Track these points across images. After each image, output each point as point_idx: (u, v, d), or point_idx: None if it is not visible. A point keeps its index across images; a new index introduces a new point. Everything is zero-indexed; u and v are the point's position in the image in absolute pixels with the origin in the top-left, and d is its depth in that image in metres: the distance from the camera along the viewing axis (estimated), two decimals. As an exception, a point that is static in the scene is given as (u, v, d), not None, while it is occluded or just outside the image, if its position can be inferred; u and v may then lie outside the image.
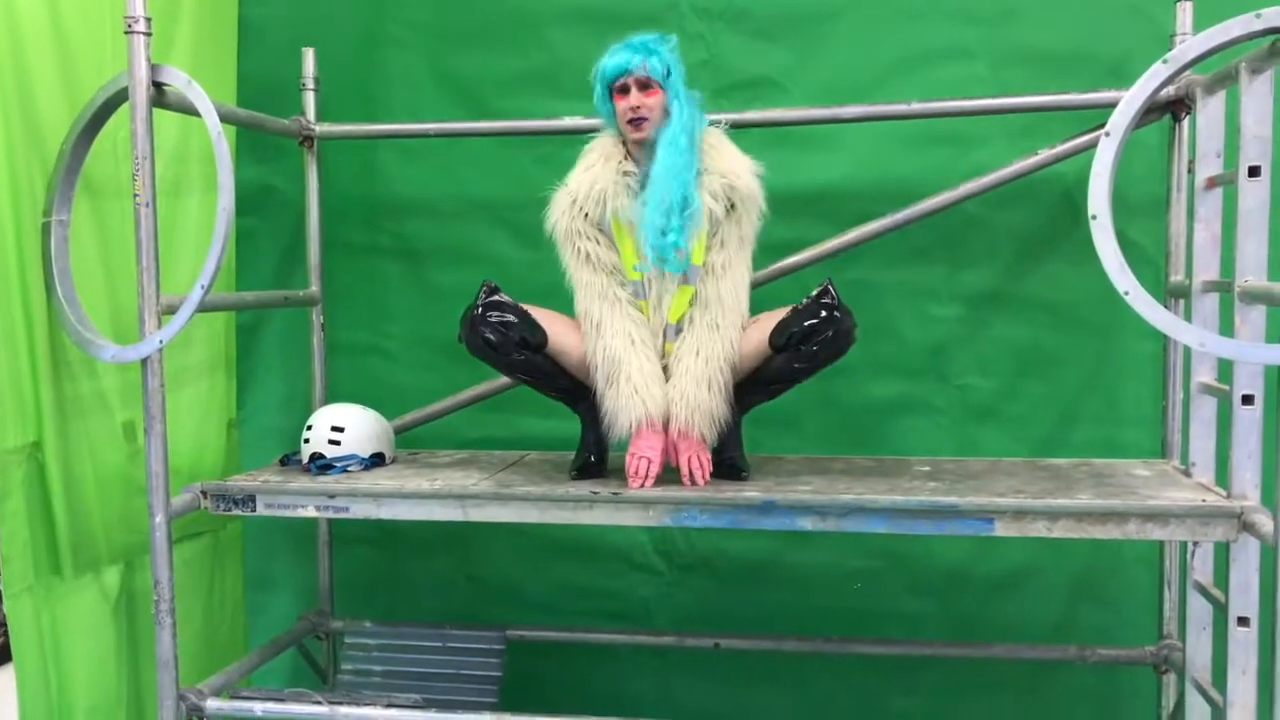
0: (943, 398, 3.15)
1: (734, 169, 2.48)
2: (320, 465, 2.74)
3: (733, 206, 2.48)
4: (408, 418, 3.16)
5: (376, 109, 3.32)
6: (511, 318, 2.49)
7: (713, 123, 2.60)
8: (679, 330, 2.52)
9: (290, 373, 3.43)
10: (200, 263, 2.56)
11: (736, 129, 3.04)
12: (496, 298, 2.52)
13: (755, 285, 2.98)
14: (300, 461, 2.82)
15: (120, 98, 2.57)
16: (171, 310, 2.54)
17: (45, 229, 2.61)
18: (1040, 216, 3.03)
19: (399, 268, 3.39)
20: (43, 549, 2.60)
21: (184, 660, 2.65)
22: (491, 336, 2.48)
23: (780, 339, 2.45)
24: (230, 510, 2.70)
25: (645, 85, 2.44)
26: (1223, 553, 2.38)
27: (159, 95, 2.52)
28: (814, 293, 2.49)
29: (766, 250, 3.08)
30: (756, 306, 3.10)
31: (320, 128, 3.16)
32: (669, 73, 2.47)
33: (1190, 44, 2.16)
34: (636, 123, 2.45)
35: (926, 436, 3.13)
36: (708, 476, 2.50)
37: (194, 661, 2.96)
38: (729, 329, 2.46)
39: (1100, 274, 2.16)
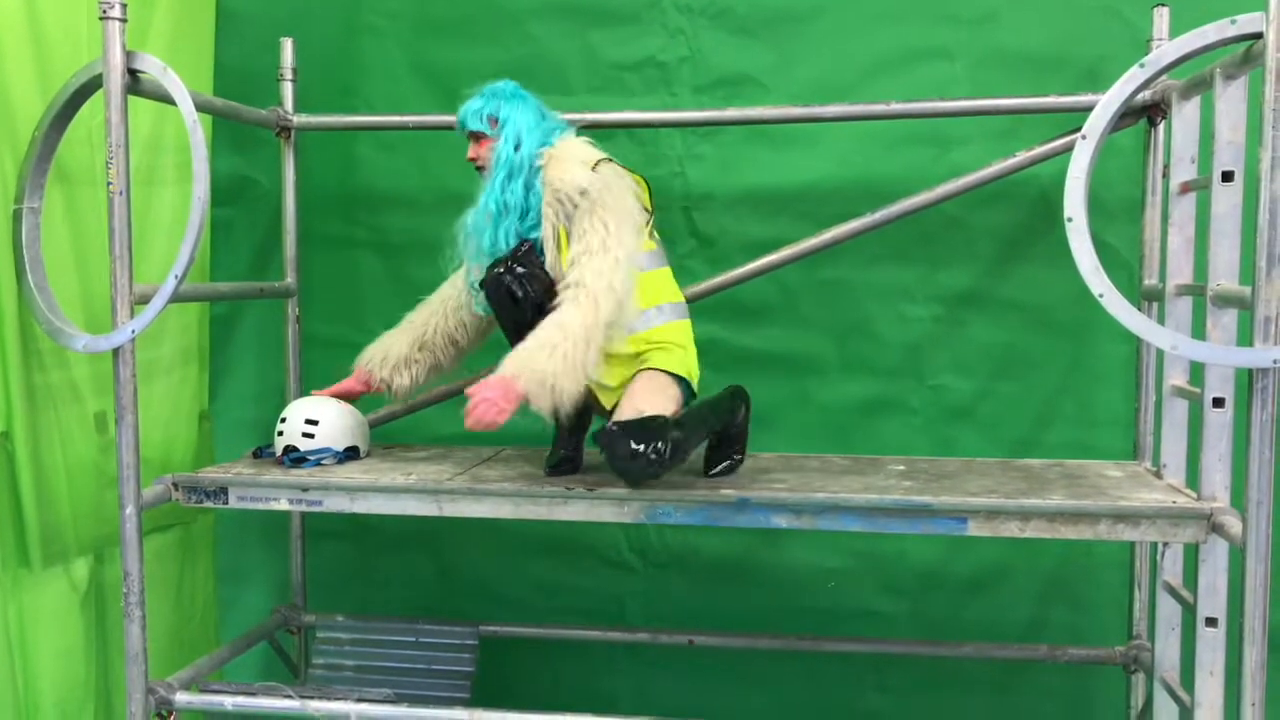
0: (918, 397, 3.16)
1: (559, 175, 2.54)
2: (294, 458, 2.72)
3: (576, 205, 2.51)
4: (382, 412, 3.14)
5: (354, 100, 3.31)
6: (540, 276, 2.52)
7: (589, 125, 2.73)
8: None
9: (263, 365, 3.41)
10: (174, 253, 2.53)
11: (716, 126, 3.05)
12: (532, 255, 2.54)
13: (735, 283, 3.00)
14: (274, 454, 2.80)
15: (94, 84, 2.54)
16: (144, 300, 2.51)
17: (16, 216, 2.58)
18: (1017, 218, 3.05)
19: (375, 260, 3.37)
20: (10, 540, 2.56)
21: (154, 654, 2.63)
22: (517, 290, 2.50)
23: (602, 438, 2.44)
24: (202, 502, 2.68)
25: (476, 136, 2.65)
26: (1192, 554, 2.40)
27: (134, 83, 2.49)
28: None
29: (745, 247, 3.11)
30: (741, 302, 3.14)
31: (298, 119, 3.14)
32: (498, 117, 2.62)
33: (1166, 49, 2.18)
34: (478, 169, 2.67)
35: (902, 436, 3.15)
36: (484, 418, 2.37)
37: (164, 655, 2.94)
38: (588, 304, 2.42)
39: (1075, 276, 2.17)
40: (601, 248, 2.45)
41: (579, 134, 2.67)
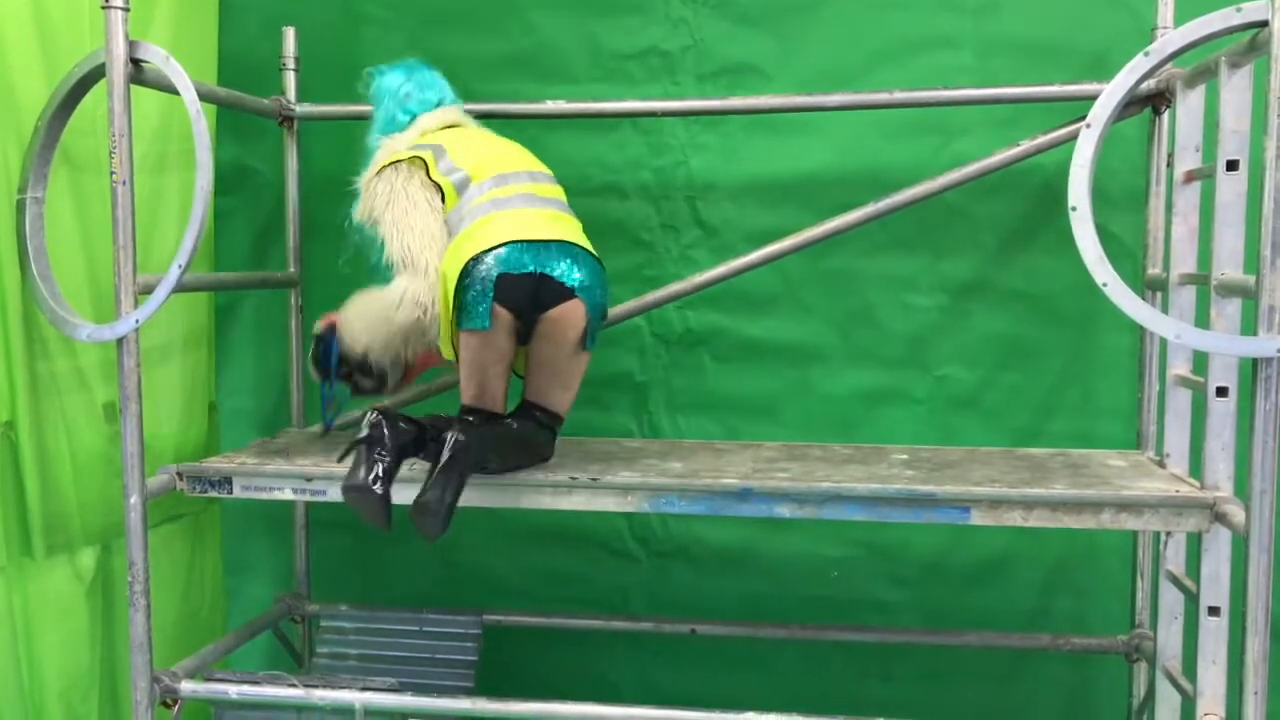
0: (921, 387, 3.16)
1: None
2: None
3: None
4: (385, 403, 3.14)
5: (356, 90, 3.29)
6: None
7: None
8: None
9: (263, 355, 3.40)
10: (180, 242, 2.53)
11: (719, 115, 3.04)
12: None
13: (738, 272, 3.00)
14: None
15: (97, 74, 2.54)
16: (149, 290, 2.51)
17: (20, 206, 2.58)
18: (1021, 208, 3.04)
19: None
20: (14, 530, 2.57)
21: (160, 643, 2.63)
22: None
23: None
24: (206, 492, 2.69)
25: None
26: (1195, 543, 2.40)
27: (137, 72, 2.49)
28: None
29: (748, 237, 3.10)
30: (744, 292, 3.13)
31: (300, 108, 3.14)
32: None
33: (1171, 37, 2.17)
34: None
35: (905, 426, 3.14)
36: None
37: (171, 644, 2.94)
38: (395, 283, 2.52)
39: (1079, 266, 2.17)
40: (385, 233, 2.55)
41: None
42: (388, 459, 2.33)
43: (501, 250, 2.41)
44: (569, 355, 2.52)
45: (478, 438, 2.37)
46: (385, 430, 2.34)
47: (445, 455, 2.30)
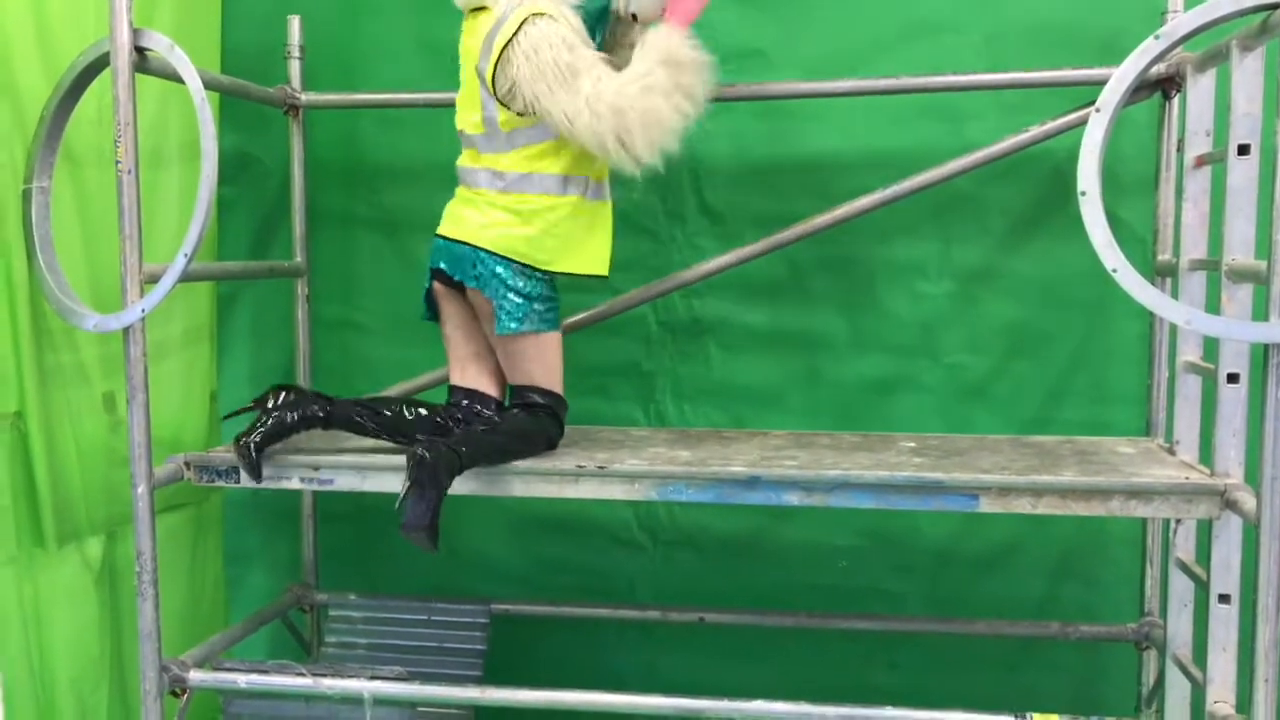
0: (931, 375, 3.14)
1: None
2: None
3: None
4: (387, 392, 3.14)
5: (358, 77, 3.28)
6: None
7: None
8: None
9: (264, 345, 3.41)
10: (182, 231, 2.53)
11: (724, 101, 3.02)
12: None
13: (744, 260, 2.99)
14: None
15: (101, 63, 2.53)
16: (154, 279, 2.51)
17: (26, 196, 2.58)
18: (1031, 193, 3.02)
19: (379, 239, 3.36)
20: (25, 520, 2.58)
21: (167, 632, 2.64)
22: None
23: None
24: (214, 481, 2.69)
25: None
26: (1205, 530, 2.39)
27: (141, 60, 2.48)
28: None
29: (755, 224, 3.09)
30: (750, 279, 3.12)
31: (306, 96, 3.13)
32: None
33: (1181, 20, 2.15)
34: None
35: (914, 414, 3.13)
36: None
37: (177, 634, 2.95)
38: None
39: (1089, 251, 2.15)
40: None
41: None
42: (268, 424, 2.55)
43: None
44: (496, 338, 2.61)
45: (445, 453, 2.41)
46: (282, 400, 2.58)
47: (410, 476, 2.36)
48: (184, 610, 3.12)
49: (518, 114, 2.51)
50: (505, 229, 2.55)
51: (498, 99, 2.52)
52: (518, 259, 2.54)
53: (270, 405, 2.57)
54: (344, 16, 3.29)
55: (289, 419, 2.56)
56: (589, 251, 2.61)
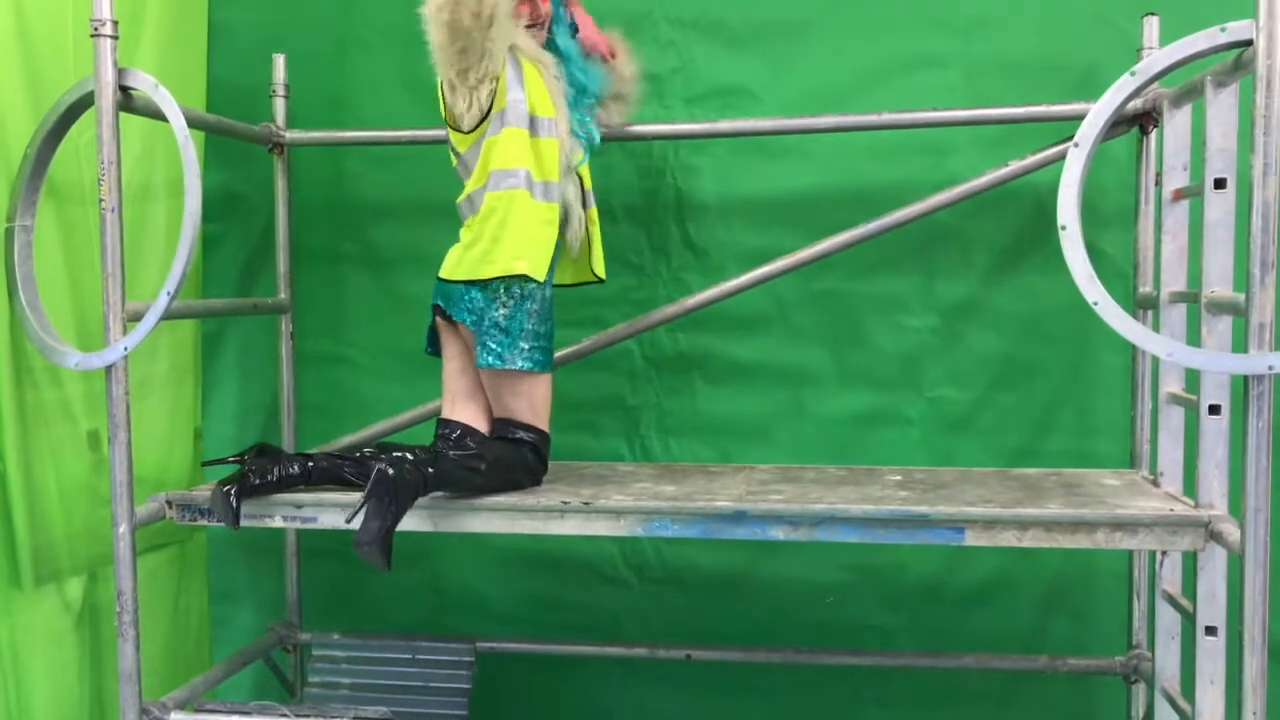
0: (915, 408, 3.15)
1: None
2: None
3: None
4: (374, 428, 3.13)
5: (344, 115, 3.30)
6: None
7: None
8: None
9: (249, 382, 3.40)
10: (168, 265, 2.52)
11: (708, 138, 3.04)
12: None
13: (729, 294, 3.00)
14: None
15: (86, 102, 2.54)
16: (137, 317, 2.50)
17: (8, 234, 2.57)
18: (1013, 227, 3.05)
19: (365, 276, 3.36)
20: (2, 560, 2.55)
21: (148, 673, 2.61)
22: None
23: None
24: (196, 520, 2.67)
25: None
26: (1191, 562, 2.39)
27: (125, 99, 2.49)
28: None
29: (739, 259, 3.10)
30: (735, 314, 3.13)
31: (290, 134, 3.14)
32: None
33: (1157, 57, 2.18)
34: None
35: (899, 447, 3.13)
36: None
37: (158, 675, 2.92)
38: None
39: (1071, 285, 2.17)
40: None
41: None
42: (255, 479, 2.54)
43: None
44: (480, 371, 2.62)
45: (408, 470, 2.38)
46: (260, 461, 2.58)
47: (368, 491, 2.33)
48: (167, 650, 3.08)
49: (466, 132, 2.56)
50: (468, 249, 2.57)
51: (450, 127, 2.59)
52: (483, 277, 2.53)
53: (253, 464, 2.56)
54: (329, 54, 3.31)
55: (272, 476, 2.54)
56: (540, 253, 2.58)
